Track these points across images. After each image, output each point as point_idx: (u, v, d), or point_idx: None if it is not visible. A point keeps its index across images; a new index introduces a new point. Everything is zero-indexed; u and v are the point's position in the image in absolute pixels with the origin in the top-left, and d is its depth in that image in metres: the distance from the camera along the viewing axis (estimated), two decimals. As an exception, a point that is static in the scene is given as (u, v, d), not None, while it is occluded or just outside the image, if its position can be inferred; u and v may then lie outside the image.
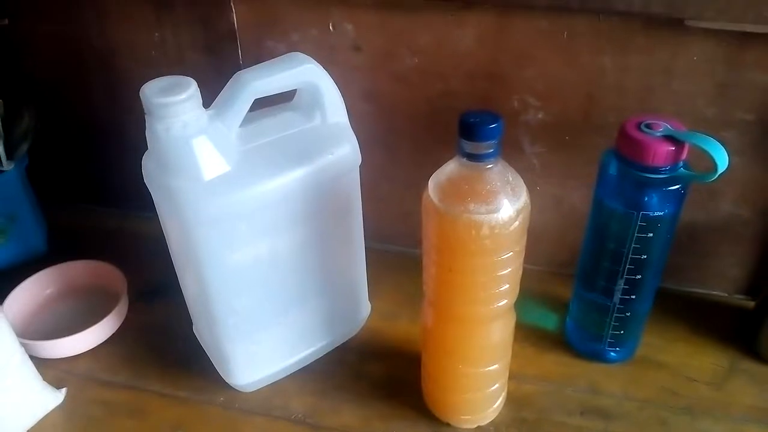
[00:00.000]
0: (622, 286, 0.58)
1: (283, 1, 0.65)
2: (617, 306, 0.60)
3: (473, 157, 0.45)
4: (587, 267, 0.61)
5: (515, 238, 0.47)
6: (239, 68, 0.53)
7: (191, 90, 0.49)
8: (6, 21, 0.75)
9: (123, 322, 0.70)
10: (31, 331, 0.69)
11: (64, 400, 0.62)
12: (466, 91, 0.66)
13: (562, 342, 0.67)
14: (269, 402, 0.62)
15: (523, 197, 0.47)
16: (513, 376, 0.60)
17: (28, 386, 0.60)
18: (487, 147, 0.45)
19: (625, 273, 0.57)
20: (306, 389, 0.63)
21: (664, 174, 0.52)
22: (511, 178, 0.47)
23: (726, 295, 0.72)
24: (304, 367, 0.65)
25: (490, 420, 0.59)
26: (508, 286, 0.50)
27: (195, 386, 0.64)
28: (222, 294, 0.56)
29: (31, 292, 0.72)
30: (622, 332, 0.62)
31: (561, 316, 0.69)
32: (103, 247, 0.77)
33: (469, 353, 0.54)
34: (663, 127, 0.52)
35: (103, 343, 0.68)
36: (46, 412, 0.61)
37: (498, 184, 0.46)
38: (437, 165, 0.49)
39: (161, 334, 0.69)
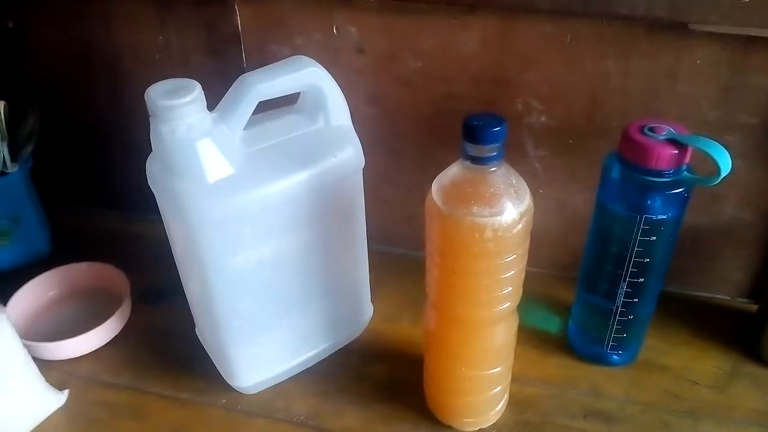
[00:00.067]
0: (624, 290, 0.58)
1: (287, 4, 0.66)
2: (620, 309, 0.60)
3: (477, 160, 0.45)
4: (590, 270, 0.61)
5: (518, 241, 0.47)
6: (243, 71, 0.54)
7: (196, 93, 0.49)
8: (11, 24, 0.76)
9: (126, 324, 0.70)
10: (34, 333, 0.69)
11: (66, 401, 0.63)
12: (470, 94, 0.66)
13: (565, 345, 0.67)
14: (271, 404, 0.62)
15: (527, 200, 0.47)
16: (515, 379, 0.60)
17: (30, 388, 0.60)
18: (490, 150, 0.45)
19: (628, 276, 0.57)
20: (308, 391, 0.63)
21: (667, 177, 0.52)
22: (514, 181, 0.47)
23: (729, 298, 0.72)
24: (306, 370, 0.65)
25: (493, 423, 0.59)
26: (511, 288, 0.50)
27: (197, 388, 0.64)
28: (225, 296, 0.56)
29: (34, 294, 0.72)
30: (624, 335, 0.62)
31: (563, 319, 0.69)
32: (106, 249, 0.77)
33: (472, 356, 0.54)
34: (666, 130, 0.52)
35: (105, 344, 0.68)
36: (48, 414, 0.61)
37: (501, 187, 0.46)
38: (441, 168, 0.49)
39: (164, 336, 0.69)
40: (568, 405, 0.61)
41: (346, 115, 0.58)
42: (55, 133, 0.81)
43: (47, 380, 0.62)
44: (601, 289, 0.60)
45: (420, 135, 0.70)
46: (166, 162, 0.51)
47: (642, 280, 0.57)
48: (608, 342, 0.62)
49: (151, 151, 0.53)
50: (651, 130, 0.52)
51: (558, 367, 0.65)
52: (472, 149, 0.45)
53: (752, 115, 0.59)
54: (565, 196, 0.70)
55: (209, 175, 0.50)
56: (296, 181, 0.54)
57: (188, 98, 0.48)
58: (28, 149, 0.75)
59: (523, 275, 0.51)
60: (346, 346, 0.68)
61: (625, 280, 0.57)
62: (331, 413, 0.61)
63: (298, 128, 0.56)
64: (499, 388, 0.57)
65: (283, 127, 0.56)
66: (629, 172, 0.53)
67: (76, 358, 0.67)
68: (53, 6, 0.73)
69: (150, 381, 0.65)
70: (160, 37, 0.71)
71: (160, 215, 0.56)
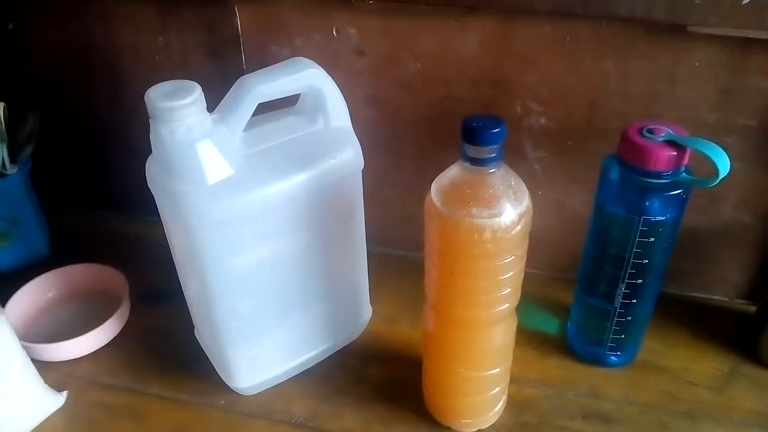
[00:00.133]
0: (623, 291, 0.58)
1: (287, 6, 0.66)
2: (618, 310, 0.60)
3: (476, 162, 0.45)
4: (588, 271, 0.61)
5: (517, 242, 0.48)
6: (243, 73, 0.54)
7: (196, 94, 0.49)
8: (11, 25, 0.76)
9: (124, 326, 0.70)
10: (32, 334, 0.69)
11: (65, 403, 0.62)
12: (469, 96, 0.66)
13: (563, 346, 0.67)
14: (270, 405, 0.62)
15: (526, 201, 0.47)
16: (514, 380, 0.60)
17: (29, 389, 0.60)
18: (489, 151, 0.45)
19: (627, 278, 0.57)
20: (307, 393, 0.63)
21: (666, 179, 0.52)
22: (513, 183, 0.47)
23: (727, 299, 0.72)
24: (305, 371, 0.65)
25: (491, 424, 0.59)
26: (509, 290, 0.50)
27: (196, 389, 0.64)
28: (224, 298, 0.56)
29: (33, 295, 0.72)
30: (623, 336, 0.62)
31: (562, 320, 0.69)
32: (105, 251, 0.77)
33: (471, 357, 0.54)
34: (665, 132, 0.52)
35: (104, 346, 0.68)
36: (47, 415, 0.61)
37: (500, 188, 0.46)
38: (440, 169, 0.49)
39: (163, 338, 0.69)
40: (567, 406, 0.61)
41: (346, 117, 0.58)
42: (54, 134, 0.81)
43: (46, 381, 0.62)
44: (599, 291, 0.60)
45: (419, 137, 0.70)
46: (166, 163, 0.51)
47: (640, 281, 0.57)
48: (607, 343, 0.62)
49: (151, 152, 0.53)
50: (650, 131, 0.53)
51: (557, 368, 0.65)
52: (472, 150, 0.45)
53: (750, 117, 0.60)
54: (564, 198, 0.70)
55: (209, 176, 0.50)
56: (296, 182, 0.54)
57: (188, 100, 0.48)
58: (28, 150, 0.75)
59: (522, 276, 0.51)
60: (345, 347, 0.68)
61: (623, 282, 0.57)
62: (330, 414, 0.61)
63: (297, 130, 0.56)
64: (497, 389, 0.57)
65: (282, 128, 0.56)
66: (628, 173, 0.53)
67: (75, 359, 0.67)
68: (53, 6, 0.73)
69: (149, 382, 0.65)
70: (160, 38, 0.71)
71: (160, 216, 0.56)
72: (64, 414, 0.62)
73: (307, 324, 0.63)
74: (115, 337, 0.69)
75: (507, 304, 0.51)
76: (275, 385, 0.64)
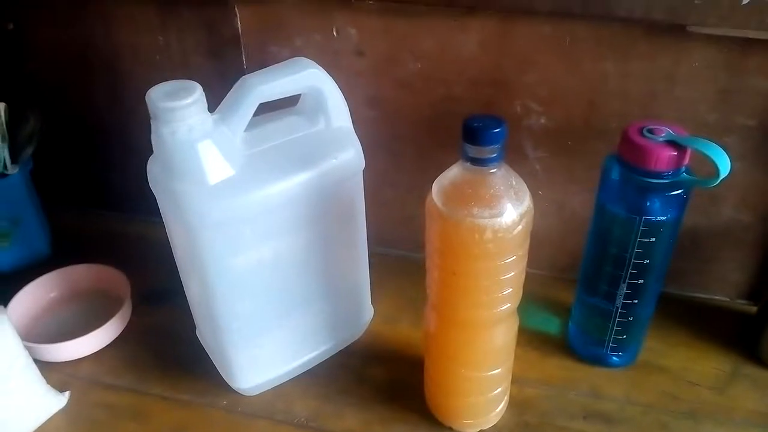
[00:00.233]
0: (624, 291, 0.58)
1: (287, 6, 0.66)
2: (619, 311, 0.60)
3: (477, 162, 0.45)
4: (589, 271, 0.61)
5: (518, 242, 0.48)
6: (243, 73, 0.54)
7: (197, 94, 0.49)
8: (11, 25, 0.76)
9: (126, 326, 0.70)
10: (34, 335, 0.69)
11: (67, 403, 0.63)
12: (469, 96, 0.66)
13: (565, 346, 0.67)
14: (272, 406, 0.62)
15: (527, 201, 0.47)
16: (515, 380, 0.60)
17: (31, 389, 0.60)
18: (490, 151, 0.45)
19: (628, 278, 0.57)
20: (309, 393, 0.63)
21: (667, 179, 0.53)
22: (514, 183, 0.47)
23: (728, 299, 0.72)
24: (306, 371, 0.65)
25: (493, 424, 0.59)
26: (511, 290, 0.50)
27: (198, 390, 0.64)
28: (226, 298, 0.56)
29: (34, 296, 0.72)
30: (624, 337, 0.62)
31: (563, 320, 0.69)
32: (107, 251, 0.77)
33: (472, 357, 0.54)
34: (665, 132, 0.52)
35: (106, 346, 0.68)
36: (49, 416, 0.61)
37: (501, 188, 0.46)
38: (440, 169, 0.49)
39: (164, 338, 0.69)
40: (568, 406, 0.61)
41: (346, 117, 0.58)
42: (55, 135, 0.81)
43: (48, 382, 0.62)
44: (600, 291, 0.60)
45: (419, 137, 0.70)
46: (167, 163, 0.51)
47: (641, 281, 0.57)
48: (608, 343, 0.62)
49: (152, 152, 0.53)
50: (650, 131, 0.53)
51: (558, 368, 0.65)
52: (472, 150, 0.45)
53: (750, 117, 0.60)
54: (565, 198, 0.70)
55: (210, 176, 0.51)
56: (297, 182, 0.54)
57: (189, 100, 0.48)
58: (29, 151, 0.75)
59: (523, 276, 0.51)
60: (346, 347, 0.68)
61: (624, 282, 0.58)
62: (331, 415, 0.61)
63: (298, 130, 0.57)
64: (499, 389, 0.57)
65: (283, 128, 0.56)
66: (628, 173, 0.54)
67: (77, 359, 0.67)
68: (53, 6, 0.73)
69: (151, 382, 0.65)
70: (161, 38, 0.71)
71: (161, 216, 0.57)
72: (66, 414, 0.62)
73: (309, 324, 0.63)
74: (116, 338, 0.69)
75: (508, 304, 0.51)
76: (277, 386, 0.64)
